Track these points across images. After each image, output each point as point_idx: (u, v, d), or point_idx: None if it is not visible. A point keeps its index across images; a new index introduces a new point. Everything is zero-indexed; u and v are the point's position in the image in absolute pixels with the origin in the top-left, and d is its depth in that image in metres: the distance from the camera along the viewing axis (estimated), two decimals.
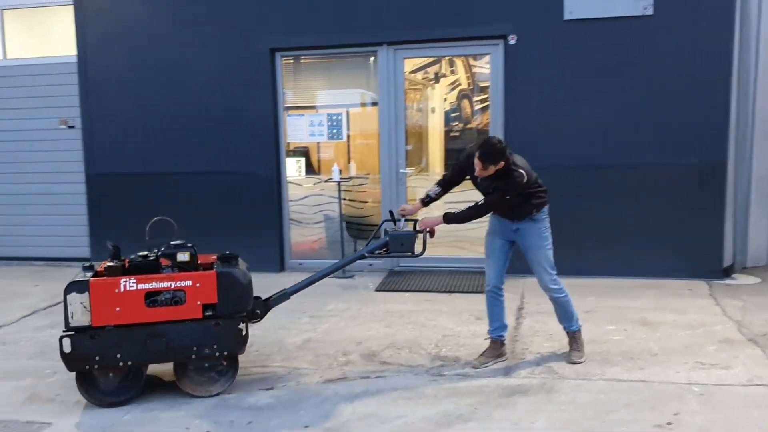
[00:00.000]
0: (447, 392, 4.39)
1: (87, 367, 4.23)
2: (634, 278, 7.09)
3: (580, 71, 7.12)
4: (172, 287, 4.27)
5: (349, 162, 8.25)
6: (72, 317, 4.20)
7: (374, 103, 7.98)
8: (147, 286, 4.24)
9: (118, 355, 4.23)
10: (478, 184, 4.77)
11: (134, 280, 4.22)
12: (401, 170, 7.77)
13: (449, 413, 4.07)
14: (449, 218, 4.68)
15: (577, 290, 6.55)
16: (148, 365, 4.43)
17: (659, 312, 5.99)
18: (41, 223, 8.77)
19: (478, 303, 6.39)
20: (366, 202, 8.30)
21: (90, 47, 8.19)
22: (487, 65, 7.72)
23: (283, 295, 4.74)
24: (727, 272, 7.18)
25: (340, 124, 7.94)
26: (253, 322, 4.61)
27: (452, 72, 8.61)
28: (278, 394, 4.43)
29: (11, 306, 6.83)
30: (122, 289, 4.20)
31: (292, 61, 8.10)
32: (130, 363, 4.26)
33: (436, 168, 8.59)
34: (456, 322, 5.90)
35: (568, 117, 7.21)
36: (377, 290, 7.08)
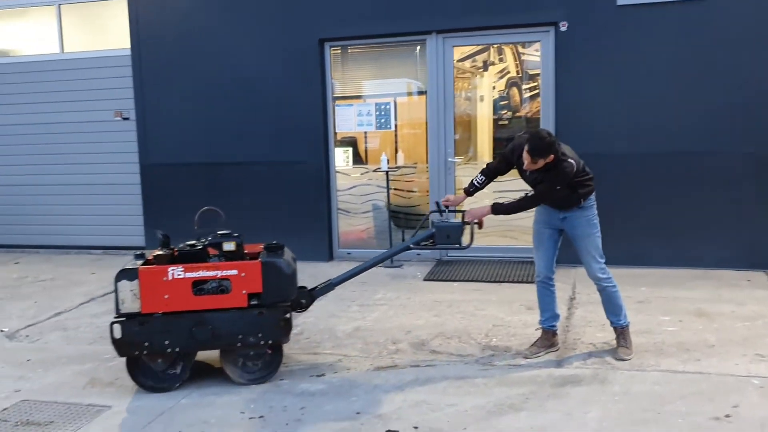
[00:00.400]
0: (498, 382, 4.38)
1: (136, 352, 4.34)
2: (689, 268, 6.94)
3: (633, 58, 6.97)
4: (219, 276, 4.35)
5: (396, 152, 8.26)
6: (122, 304, 4.31)
7: (421, 92, 7.96)
8: (194, 274, 4.33)
9: (166, 342, 4.33)
10: (526, 177, 4.70)
11: (182, 269, 4.31)
12: (449, 159, 7.74)
13: (501, 402, 4.07)
14: (497, 209, 4.60)
15: (629, 280, 6.50)
16: (195, 353, 4.53)
17: (716, 303, 5.86)
18: (98, 212, 9.02)
19: (528, 292, 6.35)
20: (413, 191, 8.30)
21: (143, 40, 8.37)
22: (536, 52, 7.62)
23: (328, 286, 4.77)
24: None
25: (389, 114, 7.95)
26: (298, 312, 4.67)
27: (501, 60, 8.53)
28: (330, 381, 4.48)
29: (70, 293, 7.05)
30: (170, 277, 4.30)
31: (339, 51, 8.13)
32: (177, 350, 4.36)
33: (485, 157, 8.53)
34: (506, 311, 5.87)
35: (620, 105, 7.07)
36: (425, 279, 7.09)
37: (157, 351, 4.35)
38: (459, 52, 8.05)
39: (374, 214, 8.38)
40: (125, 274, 4.31)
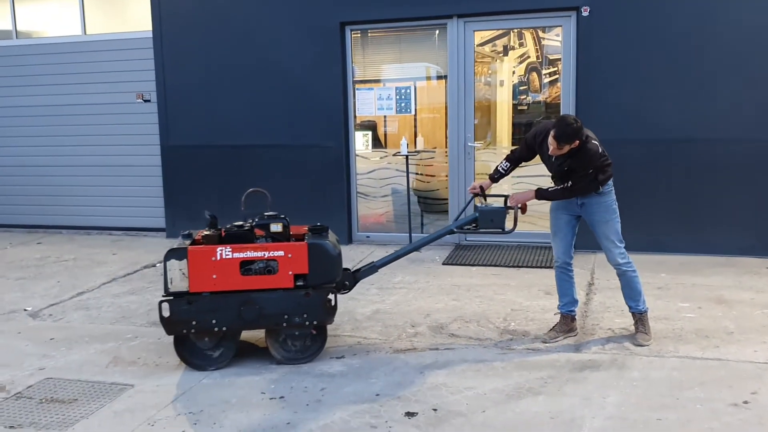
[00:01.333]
0: (516, 366, 4.41)
1: (184, 331, 4.42)
2: (710, 255, 6.91)
3: (655, 44, 6.91)
4: (266, 257, 4.41)
5: (416, 136, 8.26)
6: (171, 283, 4.38)
7: (440, 77, 7.93)
8: (242, 255, 4.38)
9: (214, 321, 4.40)
10: (550, 162, 4.68)
11: (230, 249, 4.37)
12: (469, 144, 7.73)
13: (519, 386, 4.09)
14: (541, 194, 4.62)
15: (649, 267, 6.48)
16: (240, 332, 4.60)
17: (735, 290, 5.83)
18: (119, 194, 9.12)
19: (547, 277, 6.36)
20: (433, 176, 8.31)
21: (165, 23, 8.40)
22: (556, 37, 7.57)
23: (372, 268, 4.82)
24: None
25: (409, 98, 7.94)
26: (342, 293, 4.72)
27: (521, 44, 8.47)
28: (349, 363, 4.53)
29: (92, 273, 7.15)
30: (218, 258, 4.36)
31: (359, 34, 8.12)
32: (224, 328, 4.43)
33: (504, 142, 8.51)
34: (525, 296, 5.88)
35: (642, 91, 7.01)
36: (444, 264, 7.11)
37: (205, 329, 4.43)
38: (479, 37, 8.01)
39: (393, 198, 8.41)
40: (174, 254, 4.37)
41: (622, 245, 4.71)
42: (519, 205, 4.70)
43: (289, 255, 4.40)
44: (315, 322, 4.49)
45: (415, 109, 8.12)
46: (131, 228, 9.11)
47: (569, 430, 3.56)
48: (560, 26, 7.38)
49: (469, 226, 4.76)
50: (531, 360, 4.50)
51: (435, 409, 3.82)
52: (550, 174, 4.81)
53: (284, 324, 4.45)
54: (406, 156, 7.85)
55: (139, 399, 4.10)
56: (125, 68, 8.80)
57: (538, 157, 4.82)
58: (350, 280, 4.72)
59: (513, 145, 8.47)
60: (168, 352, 4.74)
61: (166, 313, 4.38)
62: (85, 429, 3.74)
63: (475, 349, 4.72)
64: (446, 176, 7.97)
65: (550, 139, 4.40)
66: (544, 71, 8.29)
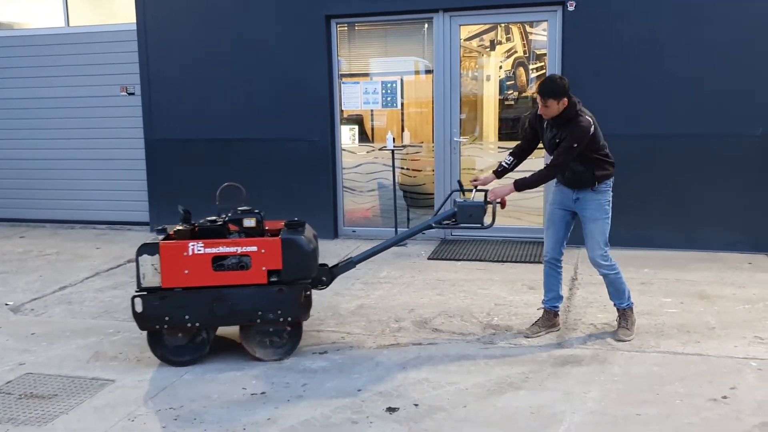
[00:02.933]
0: (499, 361, 4.41)
1: (157, 326, 4.39)
2: (693, 251, 6.95)
3: (641, 38, 6.91)
4: (239, 252, 4.37)
5: (402, 130, 8.25)
6: (143, 278, 4.35)
7: (428, 71, 7.92)
8: (214, 250, 4.34)
9: (186, 317, 4.36)
10: (547, 141, 4.67)
11: (202, 244, 4.33)
12: (455, 139, 7.72)
13: (501, 381, 4.10)
14: (519, 184, 4.59)
15: (633, 262, 6.51)
16: (216, 328, 4.58)
17: (717, 285, 5.87)
18: (103, 187, 9.05)
19: (531, 272, 6.38)
20: (419, 170, 8.30)
21: (149, 15, 8.33)
22: (543, 32, 7.57)
23: (349, 263, 4.79)
24: None
25: (395, 92, 7.92)
26: (318, 289, 4.69)
27: (508, 39, 8.47)
28: (332, 358, 4.52)
29: (75, 267, 7.10)
30: (190, 253, 4.31)
31: (346, 28, 8.09)
32: (197, 324, 4.40)
33: (490, 137, 8.52)
34: (508, 291, 5.89)
35: (627, 85, 7.02)
36: (429, 258, 7.11)
37: (177, 325, 4.39)
38: (466, 31, 7.99)
39: (380, 193, 8.39)
40: (146, 249, 4.33)
41: (607, 248, 4.69)
42: (498, 200, 4.68)
43: (263, 250, 4.35)
44: (289, 319, 4.45)
45: (402, 104, 8.11)
46: (115, 222, 9.05)
47: (550, 424, 3.57)
48: (546, 21, 7.38)
49: (448, 221, 4.74)
50: (513, 355, 4.51)
51: (416, 405, 3.82)
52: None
53: (258, 320, 4.41)
54: (392, 151, 7.84)
55: (120, 394, 4.07)
56: (109, 61, 8.72)
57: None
58: (327, 275, 4.69)
59: (500, 140, 8.48)
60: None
61: (139, 309, 4.34)
62: (64, 425, 3.71)
63: (458, 344, 4.72)
64: (432, 171, 7.96)
65: (538, 99, 4.44)
66: (531, 66, 8.29)
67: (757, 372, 4.11)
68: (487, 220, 4.71)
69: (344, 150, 8.22)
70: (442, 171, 7.79)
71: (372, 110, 8.26)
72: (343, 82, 8.03)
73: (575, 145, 4.45)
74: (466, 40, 8.07)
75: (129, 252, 7.63)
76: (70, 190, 9.18)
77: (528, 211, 7.88)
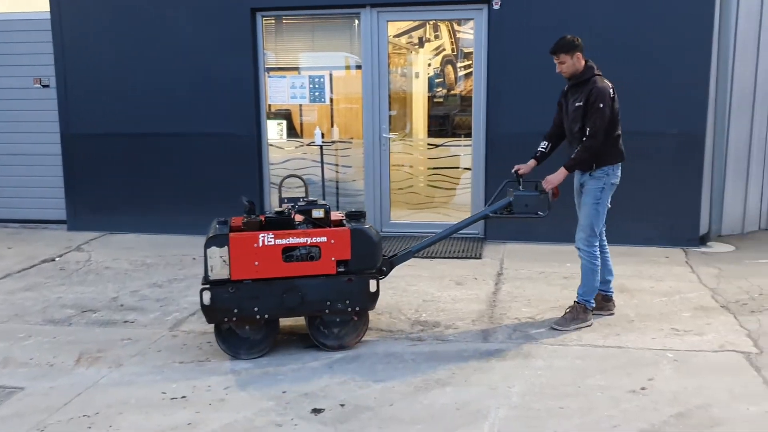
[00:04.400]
0: (426, 357, 4.41)
1: (225, 319, 4.30)
2: (613, 245, 7.06)
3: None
4: (308, 243, 4.34)
5: (332, 126, 8.17)
6: (212, 270, 4.26)
7: (359, 67, 7.86)
8: (284, 241, 4.31)
9: (256, 308, 4.30)
10: (570, 111, 4.79)
11: (272, 235, 4.27)
12: (384, 135, 7.69)
13: (428, 378, 4.10)
14: (570, 165, 4.74)
15: (555, 257, 6.63)
16: (279, 320, 4.53)
17: (636, 279, 6.04)
18: (16, 184, 8.60)
19: (458, 268, 6.43)
20: (349, 166, 8.24)
21: (64, 3, 7.95)
22: (470, 30, 7.62)
23: (408, 253, 4.84)
24: (703, 240, 7.25)
25: (323, 87, 7.83)
26: (380, 279, 4.64)
27: (436, 37, 8.51)
28: (257, 360, 4.41)
29: None
30: (261, 244, 4.26)
31: (273, 21, 7.94)
32: (266, 316, 4.34)
33: (420, 134, 8.54)
34: (437, 287, 5.91)
35: (550, 84, 7.13)
36: None
37: (247, 317, 4.30)
38: (395, 28, 7.98)
39: (308, 189, 8.28)
40: (215, 241, 4.25)
41: (588, 235, 4.83)
42: (552, 189, 4.77)
43: (332, 241, 4.36)
44: (357, 308, 4.46)
45: (332, 99, 8.03)
46: (29, 220, 8.62)
47: (475, 420, 3.59)
48: (473, 19, 7.43)
49: (503, 211, 4.82)
50: (440, 351, 4.51)
51: (342, 405, 3.78)
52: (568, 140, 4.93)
53: (326, 310, 4.41)
54: (320, 146, 7.75)
55: (30, 402, 3.87)
56: (21, 51, 8.28)
57: None
58: (387, 266, 4.71)
59: (429, 136, 8.51)
60: (64, 352, 4.52)
61: (207, 302, 4.27)
62: None
63: (385, 341, 4.70)
64: (362, 167, 7.92)
65: (554, 59, 4.71)
66: (459, 64, 8.35)
67: (674, 363, 4.24)
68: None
69: (271, 145, 8.08)
70: (371, 167, 7.75)
71: (300, 105, 8.15)
72: (269, 76, 7.89)
73: (601, 105, 4.58)
74: (395, 36, 8.06)
75: (44, 252, 7.30)
76: None
77: (455, 208, 7.95)
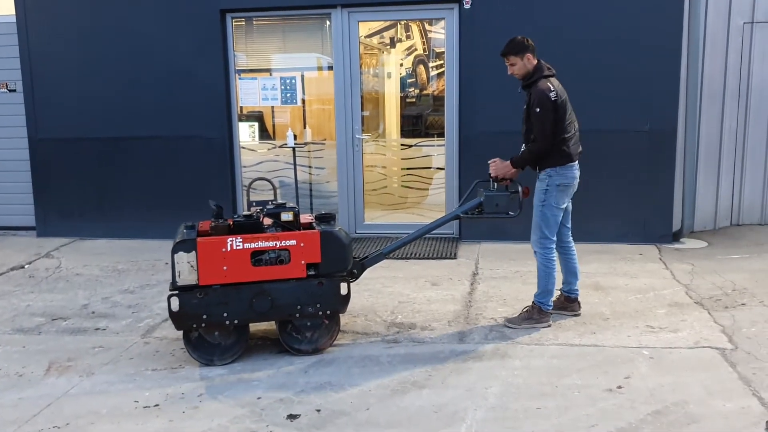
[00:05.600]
0: (402, 359, 4.38)
1: (194, 325, 4.23)
2: (587, 243, 7.14)
3: (536, 36, 7.01)
4: (278, 246, 4.27)
5: (305, 127, 8.11)
6: (179, 276, 4.18)
7: (331, 68, 7.81)
8: (253, 245, 4.25)
9: (225, 314, 4.25)
10: (525, 114, 4.80)
11: (240, 240, 4.21)
12: (357, 136, 7.66)
13: (404, 380, 4.07)
14: (516, 161, 4.73)
15: (530, 255, 6.53)
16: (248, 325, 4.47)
17: (611, 276, 6.07)
18: None
19: (433, 268, 6.41)
20: (323, 168, 8.19)
21: (30, 5, 7.79)
22: (442, 30, 7.61)
23: (379, 255, 4.79)
24: (676, 237, 7.32)
25: (294, 88, 7.76)
26: (350, 282, 4.59)
27: (408, 37, 8.49)
28: (231, 365, 4.35)
29: None
30: (229, 248, 4.20)
31: (244, 22, 7.86)
32: (236, 322, 4.27)
33: (393, 134, 8.52)
34: (412, 288, 5.88)
35: (519, 83, 7.15)
36: None
37: (216, 323, 4.26)
38: (366, 28, 7.95)
39: (281, 191, 8.22)
40: (183, 246, 4.17)
41: (539, 236, 4.81)
42: (522, 189, 4.77)
43: (302, 244, 4.30)
44: (328, 312, 4.41)
45: (304, 100, 7.96)
46: None
47: (452, 423, 3.56)
48: (444, 18, 7.42)
49: (475, 211, 4.81)
50: (416, 353, 4.49)
51: (318, 410, 3.73)
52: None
53: (297, 314, 4.36)
54: (293, 148, 7.69)
55: None
56: None
57: None
58: (358, 268, 4.67)
59: (402, 137, 8.49)
60: (33, 361, 4.41)
61: (176, 308, 4.18)
62: None
63: (361, 344, 4.66)
64: (335, 168, 7.87)
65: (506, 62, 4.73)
66: (431, 64, 8.34)
67: (649, 360, 4.26)
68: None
69: (243, 147, 8.00)
70: (344, 168, 7.71)
71: (272, 107, 8.08)
72: (240, 78, 7.80)
73: (538, 110, 4.59)
74: (366, 37, 8.02)
75: (13, 259, 7.16)
76: None
77: (429, 208, 7.94)
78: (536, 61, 4.77)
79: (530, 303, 4.93)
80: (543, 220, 4.80)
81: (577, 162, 4.84)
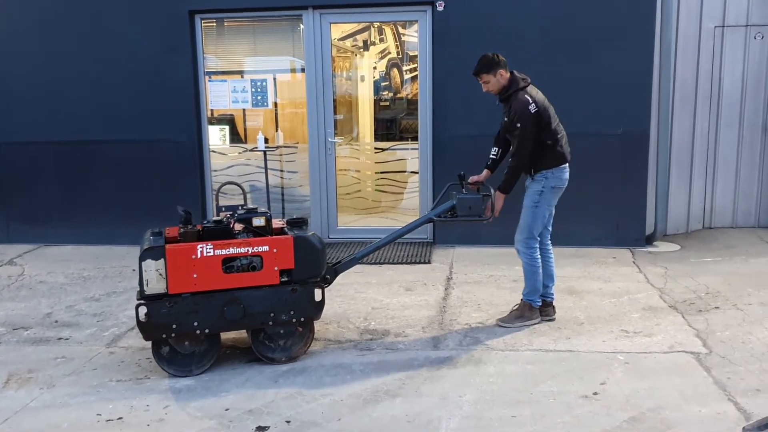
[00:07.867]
0: (375, 367, 4.29)
1: (164, 335, 4.07)
2: (561, 247, 7.06)
3: (509, 39, 7.02)
4: (249, 253, 4.15)
5: (277, 130, 7.99)
6: (147, 285, 4.02)
7: (303, 70, 7.71)
8: (224, 252, 4.11)
9: (196, 323, 4.11)
10: (505, 126, 4.79)
11: (211, 246, 4.06)
12: (330, 139, 7.55)
13: (377, 389, 3.97)
14: (503, 188, 4.74)
15: (504, 259, 6.60)
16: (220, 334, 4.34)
17: (585, 280, 6.05)
18: None
19: (407, 273, 6.33)
20: (295, 171, 8.07)
21: None
22: (416, 33, 7.55)
23: (352, 260, 4.71)
24: (650, 240, 7.32)
25: (266, 91, 7.64)
26: (324, 287, 4.48)
27: (381, 40, 8.43)
28: (198, 375, 4.22)
29: None
30: (199, 255, 4.06)
31: (214, 24, 7.72)
32: (207, 331, 4.14)
33: (367, 137, 8.43)
34: (386, 293, 5.80)
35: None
36: None
37: (186, 333, 4.12)
38: (339, 31, 7.86)
39: (252, 195, 8.09)
40: (150, 253, 4.00)
41: (526, 237, 4.85)
42: (494, 190, 4.78)
43: (275, 250, 4.18)
44: (302, 319, 4.30)
45: (276, 103, 7.85)
46: None
47: None
48: (417, 21, 7.36)
49: (447, 214, 4.77)
50: (390, 360, 4.40)
51: (288, 421, 3.62)
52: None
53: (270, 322, 4.23)
54: (264, 152, 7.57)
55: None
56: None
57: None
58: (331, 273, 4.57)
59: (376, 140, 8.41)
60: None
61: (143, 318, 4.02)
62: None
63: (333, 352, 4.56)
64: (307, 172, 7.75)
65: (479, 81, 4.72)
66: (405, 67, 8.29)
67: (625, 366, 4.21)
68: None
69: (213, 151, 7.85)
70: (317, 172, 7.60)
71: (244, 110, 7.95)
72: (210, 80, 7.66)
73: (518, 125, 4.58)
74: (339, 39, 7.94)
75: None
76: None
77: (403, 212, 7.86)
78: (509, 74, 4.76)
79: (519, 302, 4.99)
80: (533, 221, 4.81)
81: (568, 164, 4.87)
